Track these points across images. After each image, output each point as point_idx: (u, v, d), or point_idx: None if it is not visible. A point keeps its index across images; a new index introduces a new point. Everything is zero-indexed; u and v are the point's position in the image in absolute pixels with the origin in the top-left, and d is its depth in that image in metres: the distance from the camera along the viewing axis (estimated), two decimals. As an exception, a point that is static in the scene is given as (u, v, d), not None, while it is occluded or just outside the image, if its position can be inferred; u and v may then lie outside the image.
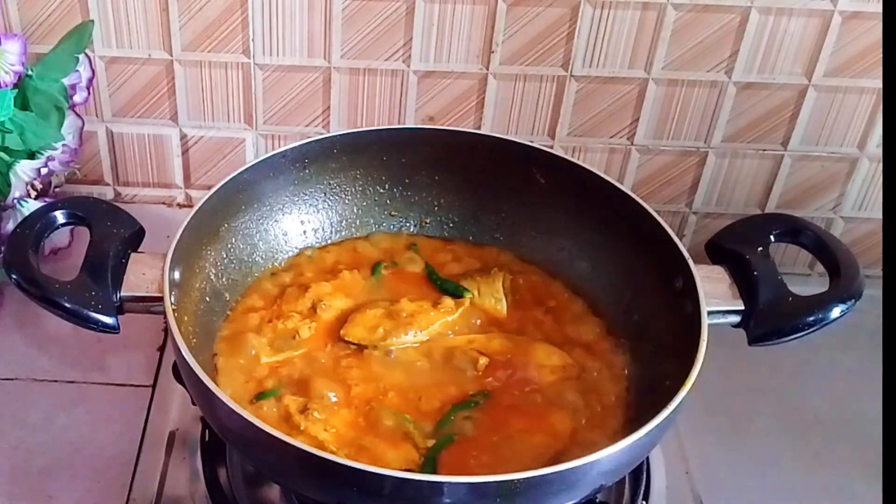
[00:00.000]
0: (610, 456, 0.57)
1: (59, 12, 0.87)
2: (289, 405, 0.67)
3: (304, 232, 0.82)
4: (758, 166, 0.95)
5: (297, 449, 0.56)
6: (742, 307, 0.69)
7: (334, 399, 0.68)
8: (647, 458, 0.75)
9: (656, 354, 0.71)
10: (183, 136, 0.96)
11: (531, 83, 0.91)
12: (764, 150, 0.94)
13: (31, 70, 0.84)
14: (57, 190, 0.93)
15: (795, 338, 0.68)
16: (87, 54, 0.87)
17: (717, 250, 0.73)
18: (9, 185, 0.83)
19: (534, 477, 0.55)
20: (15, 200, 0.83)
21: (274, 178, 0.78)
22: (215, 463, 0.73)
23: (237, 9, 0.87)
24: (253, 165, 0.76)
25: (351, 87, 0.92)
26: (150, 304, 0.66)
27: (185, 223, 0.69)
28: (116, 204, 0.72)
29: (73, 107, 0.87)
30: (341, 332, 0.73)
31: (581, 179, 0.77)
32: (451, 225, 0.84)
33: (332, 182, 0.82)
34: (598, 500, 0.69)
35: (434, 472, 0.63)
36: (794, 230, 0.74)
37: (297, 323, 0.73)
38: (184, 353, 0.61)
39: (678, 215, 0.99)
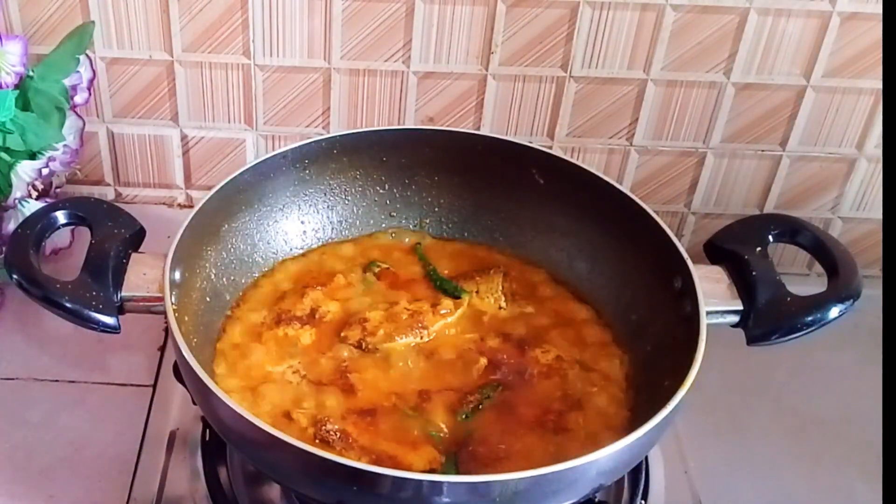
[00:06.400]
0: (609, 455, 0.57)
1: (60, 13, 0.87)
2: (298, 418, 0.67)
3: (304, 232, 0.82)
4: (756, 167, 0.96)
5: (297, 448, 0.56)
6: (741, 307, 0.69)
7: (341, 406, 0.68)
8: (646, 458, 0.75)
9: (655, 354, 0.71)
10: (183, 137, 0.96)
11: (530, 84, 0.91)
12: (762, 150, 0.95)
13: (33, 71, 0.84)
14: (58, 190, 0.93)
15: (794, 338, 0.68)
16: (87, 55, 0.87)
17: (716, 250, 0.73)
18: (10, 185, 0.83)
19: (533, 476, 0.55)
20: (16, 201, 0.84)
21: (274, 179, 0.79)
22: (216, 462, 0.73)
23: (237, 10, 0.87)
24: (253, 166, 0.76)
25: (351, 87, 0.92)
26: (151, 304, 0.66)
27: (186, 223, 0.69)
28: (117, 204, 0.72)
29: (73, 107, 0.88)
30: (342, 334, 0.74)
31: (580, 180, 0.78)
32: (450, 225, 0.85)
33: (332, 183, 0.82)
34: (597, 500, 0.69)
35: (456, 471, 0.63)
36: (793, 230, 0.74)
37: (298, 330, 0.74)
38: (184, 352, 0.61)
39: (677, 215, 1.00)
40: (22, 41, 0.82)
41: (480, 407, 0.69)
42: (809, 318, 0.68)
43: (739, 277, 0.70)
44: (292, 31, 0.88)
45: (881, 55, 0.86)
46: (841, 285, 0.69)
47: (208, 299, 0.73)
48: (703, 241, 0.74)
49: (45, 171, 0.84)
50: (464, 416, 0.68)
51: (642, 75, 0.90)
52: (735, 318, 0.69)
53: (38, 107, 0.84)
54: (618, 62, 0.89)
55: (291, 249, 0.82)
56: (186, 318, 0.68)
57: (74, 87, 0.87)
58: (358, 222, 0.84)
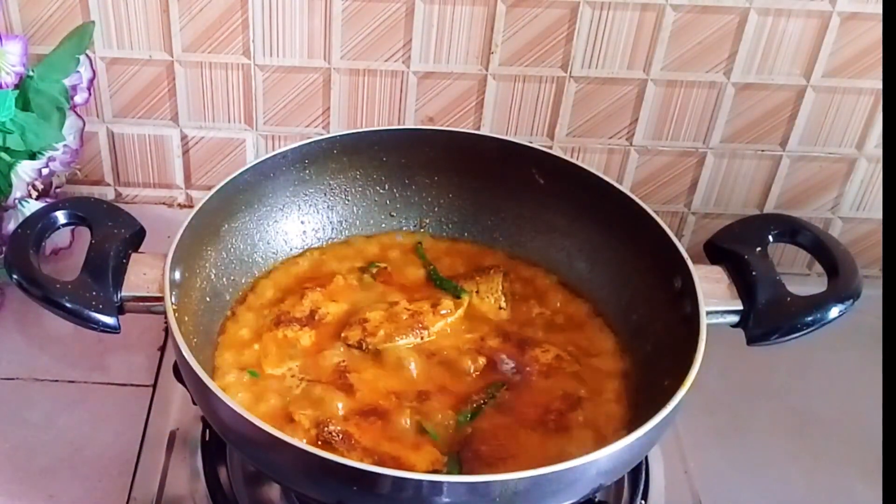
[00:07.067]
0: (609, 455, 0.57)
1: (61, 13, 0.87)
2: (300, 420, 0.66)
3: (304, 232, 0.82)
4: (756, 167, 0.96)
5: (296, 448, 0.56)
6: (741, 307, 0.69)
7: (342, 407, 0.68)
8: (646, 458, 0.75)
9: (655, 354, 0.71)
10: (183, 137, 0.96)
11: (530, 84, 0.91)
12: (762, 150, 0.95)
13: (33, 71, 0.84)
14: (58, 190, 0.93)
15: (794, 338, 0.69)
16: (87, 55, 0.87)
17: (716, 250, 0.73)
18: (10, 185, 0.83)
19: (533, 476, 0.55)
20: (16, 201, 0.84)
21: (274, 179, 0.79)
22: (216, 462, 0.73)
23: (237, 10, 0.87)
24: (253, 166, 0.76)
25: (351, 87, 0.92)
26: (151, 303, 0.66)
27: (186, 223, 0.70)
28: (117, 204, 0.72)
29: (73, 107, 0.88)
30: (342, 334, 0.74)
31: (580, 180, 0.78)
32: (450, 225, 0.85)
33: (332, 182, 0.82)
34: (597, 500, 0.69)
35: (459, 470, 0.63)
36: (793, 230, 0.74)
37: (297, 332, 0.73)
38: (184, 352, 0.61)
39: (677, 215, 1.00)
40: (22, 41, 0.82)
41: (484, 406, 0.69)
42: (809, 318, 0.68)
43: (739, 277, 0.70)
44: (292, 31, 0.88)
45: (881, 55, 0.86)
46: (841, 285, 0.69)
47: (208, 299, 0.73)
48: (703, 241, 0.75)
49: (45, 171, 0.84)
50: (467, 417, 0.68)
51: (642, 75, 0.90)
52: (735, 318, 0.70)
53: (38, 107, 0.84)
54: (618, 62, 0.89)
55: (291, 249, 0.82)
56: (186, 318, 0.68)
57: (74, 87, 0.87)
58: (358, 222, 0.84)
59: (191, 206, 0.80)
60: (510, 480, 0.55)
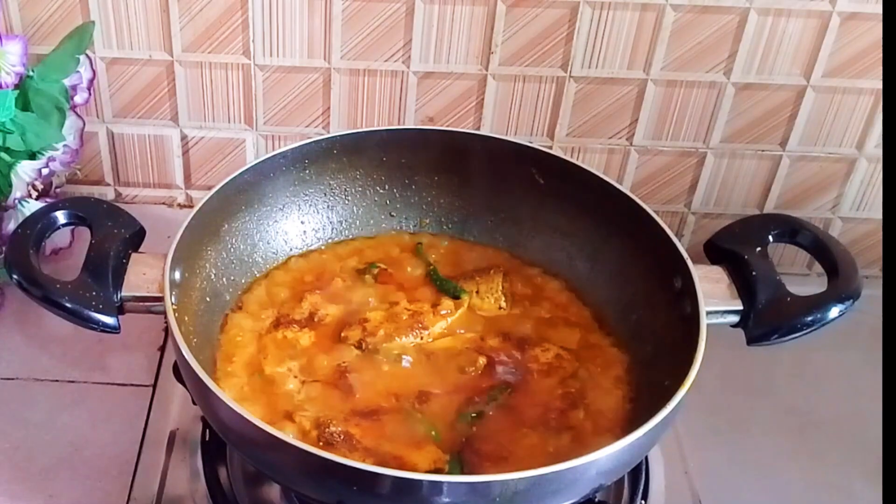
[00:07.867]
0: (609, 455, 0.57)
1: (60, 13, 0.87)
2: (301, 421, 0.66)
3: (304, 232, 0.82)
4: (756, 167, 0.96)
5: (297, 448, 0.56)
6: (741, 307, 0.69)
7: (342, 408, 0.68)
8: (646, 458, 0.75)
9: (655, 354, 0.71)
10: (183, 137, 0.96)
11: (530, 84, 0.91)
12: (762, 150, 0.95)
13: (33, 71, 0.84)
14: (58, 190, 0.93)
15: (794, 338, 0.69)
16: (87, 55, 0.87)
17: (716, 250, 0.73)
18: (10, 185, 0.83)
19: (533, 476, 0.55)
20: (16, 201, 0.84)
21: (274, 179, 0.79)
22: (216, 462, 0.73)
23: (237, 10, 0.87)
24: (253, 166, 0.76)
25: (351, 87, 0.92)
26: (151, 303, 0.66)
27: (186, 223, 0.70)
28: (117, 204, 0.72)
29: (73, 107, 0.88)
30: (342, 334, 0.73)
31: (580, 180, 0.78)
32: (450, 225, 0.85)
33: (331, 183, 0.82)
34: (597, 500, 0.69)
35: (461, 470, 0.63)
36: (793, 230, 0.74)
37: (297, 333, 0.73)
38: (184, 352, 0.61)
39: (677, 215, 1.00)
40: (22, 41, 0.82)
41: (487, 408, 0.69)
42: (809, 318, 0.68)
43: (739, 277, 0.70)
44: (292, 31, 0.88)
45: (881, 55, 0.86)
46: (841, 285, 0.69)
47: (208, 299, 0.73)
48: (704, 241, 0.75)
49: (45, 171, 0.84)
50: (468, 417, 0.68)
51: (642, 75, 0.90)
52: (735, 318, 0.70)
53: (38, 107, 0.84)
54: (618, 62, 0.89)
55: (291, 249, 0.82)
56: (186, 318, 0.68)
57: (74, 87, 0.87)
58: (358, 222, 0.84)
59: (191, 206, 0.80)
60: (510, 480, 0.55)
